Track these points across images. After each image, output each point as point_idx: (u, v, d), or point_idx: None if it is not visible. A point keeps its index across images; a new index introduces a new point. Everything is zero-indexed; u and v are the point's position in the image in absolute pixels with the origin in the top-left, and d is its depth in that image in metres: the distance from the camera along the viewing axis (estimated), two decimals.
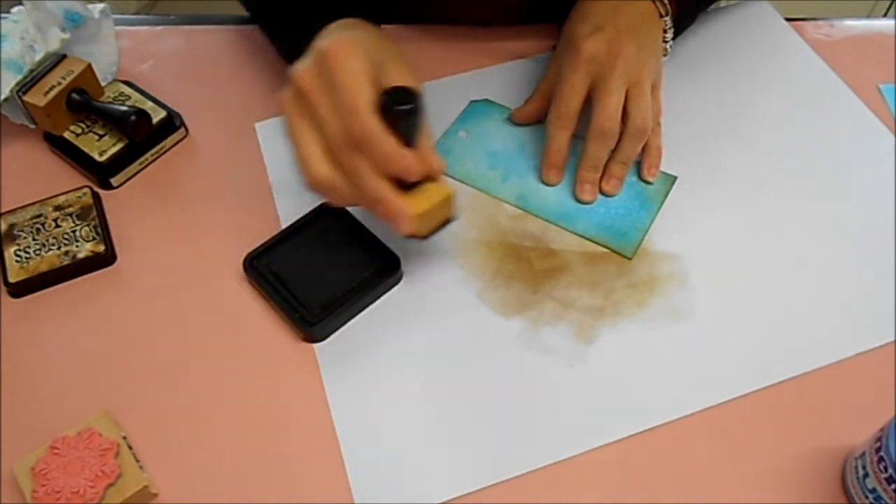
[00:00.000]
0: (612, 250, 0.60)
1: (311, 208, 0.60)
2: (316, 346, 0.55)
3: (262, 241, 0.58)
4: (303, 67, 0.49)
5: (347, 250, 0.58)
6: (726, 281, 0.58)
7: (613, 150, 0.61)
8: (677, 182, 0.63)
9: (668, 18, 0.63)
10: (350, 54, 0.48)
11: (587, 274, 0.58)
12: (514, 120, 0.67)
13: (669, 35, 0.64)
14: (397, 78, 0.50)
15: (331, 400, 0.53)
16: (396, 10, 0.73)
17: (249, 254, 0.57)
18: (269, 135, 0.67)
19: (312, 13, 0.58)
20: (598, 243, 0.60)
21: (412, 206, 0.49)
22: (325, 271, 0.57)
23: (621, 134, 0.60)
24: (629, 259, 0.59)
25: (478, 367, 0.54)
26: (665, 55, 0.64)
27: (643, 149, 0.63)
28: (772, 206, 0.62)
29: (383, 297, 0.57)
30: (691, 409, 0.52)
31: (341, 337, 0.56)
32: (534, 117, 0.66)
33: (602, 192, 0.62)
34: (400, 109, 0.48)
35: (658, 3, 0.63)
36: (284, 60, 0.63)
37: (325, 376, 0.54)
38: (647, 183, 0.63)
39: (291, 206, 0.62)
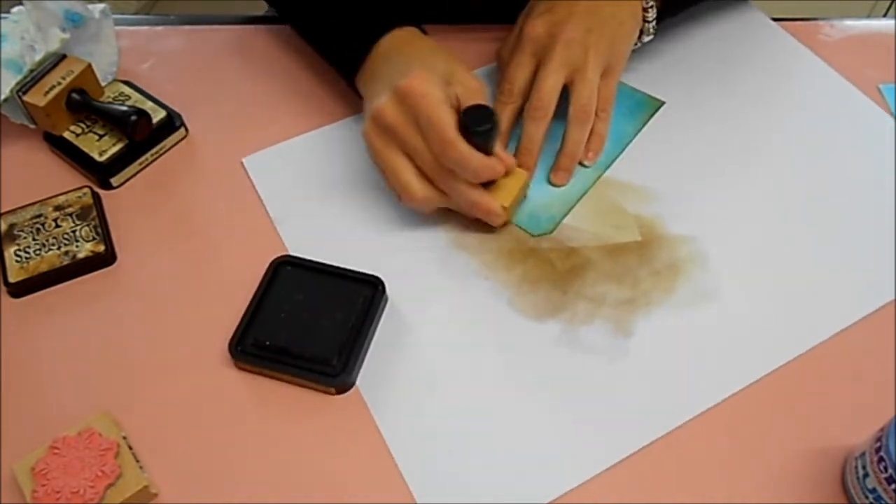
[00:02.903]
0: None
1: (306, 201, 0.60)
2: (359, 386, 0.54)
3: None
4: (384, 104, 0.56)
5: (325, 293, 0.55)
6: (743, 257, 0.59)
7: (562, 140, 0.62)
8: (684, 170, 0.64)
9: (647, 5, 0.63)
10: (428, 87, 0.55)
11: (610, 267, 0.59)
12: None
13: (651, 14, 0.64)
14: (465, 84, 0.57)
15: (385, 434, 0.51)
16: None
17: (231, 339, 0.54)
18: (259, 168, 0.65)
19: (361, 24, 0.62)
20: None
21: (502, 200, 0.57)
22: (317, 321, 0.54)
23: (567, 121, 0.61)
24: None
25: (522, 374, 0.54)
26: (649, 36, 0.65)
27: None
28: (777, 186, 0.63)
29: (411, 323, 0.56)
30: (740, 385, 0.53)
31: (375, 370, 0.54)
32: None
33: (550, 183, 0.63)
34: (481, 130, 0.55)
35: None
36: (337, 69, 0.66)
37: (375, 412, 0.52)
38: (584, 166, 0.64)
39: (292, 230, 0.61)
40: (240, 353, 0.53)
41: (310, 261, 0.57)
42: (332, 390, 0.53)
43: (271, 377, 0.54)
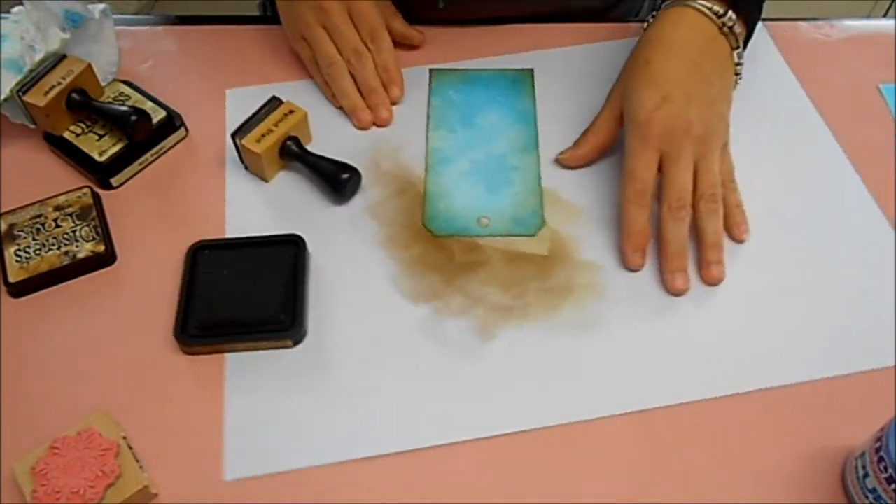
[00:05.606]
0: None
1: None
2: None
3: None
4: None
5: (254, 259, 0.57)
6: (643, 298, 0.57)
7: (698, 235, 0.58)
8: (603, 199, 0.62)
9: (740, 51, 0.61)
10: None
11: (505, 272, 0.58)
12: (562, 163, 0.64)
13: (741, 68, 0.62)
14: None
15: (227, 392, 0.53)
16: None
17: (175, 328, 0.54)
18: (237, 103, 0.68)
19: None
20: None
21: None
22: (253, 287, 0.56)
23: (696, 213, 0.58)
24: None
25: (381, 349, 0.55)
26: (735, 87, 0.62)
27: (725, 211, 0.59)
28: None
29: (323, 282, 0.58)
30: (577, 417, 0.52)
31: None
32: (584, 163, 0.64)
33: (707, 283, 0.58)
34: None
35: (730, 38, 0.60)
36: None
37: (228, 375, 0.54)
38: (740, 242, 0.60)
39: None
40: (187, 338, 0.54)
41: (224, 239, 0.60)
42: (290, 343, 0.55)
43: (226, 351, 0.55)
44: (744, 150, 0.63)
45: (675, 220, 0.57)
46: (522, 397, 0.53)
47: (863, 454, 0.47)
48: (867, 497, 0.46)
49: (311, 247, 0.59)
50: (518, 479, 0.50)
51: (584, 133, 0.64)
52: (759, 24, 0.72)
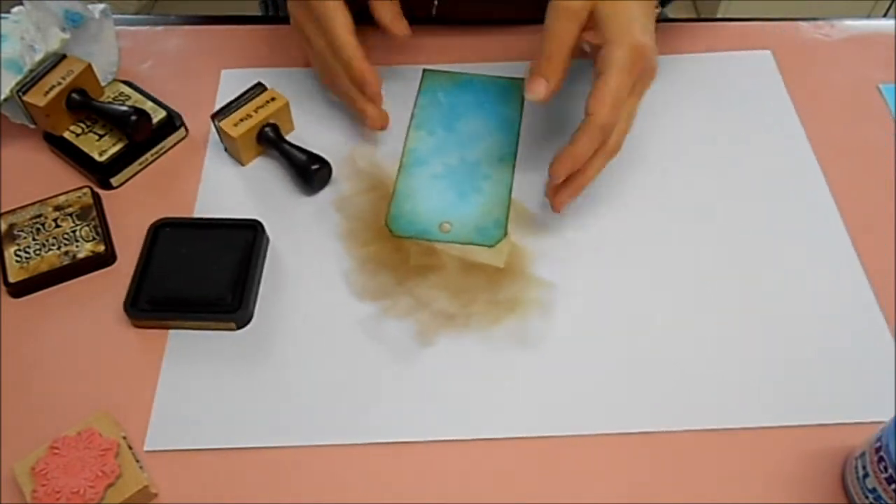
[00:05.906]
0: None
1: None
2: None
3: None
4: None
5: (208, 242, 0.58)
6: (590, 320, 0.56)
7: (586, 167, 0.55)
8: (596, 220, 0.61)
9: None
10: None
11: (457, 280, 0.58)
12: (532, 98, 0.57)
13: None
14: None
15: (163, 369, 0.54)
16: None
17: (125, 301, 0.56)
18: (230, 85, 0.69)
19: None
20: None
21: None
22: (205, 268, 0.57)
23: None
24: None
25: (316, 339, 0.55)
26: None
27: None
28: (664, 258, 0.59)
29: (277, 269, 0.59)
30: (502, 434, 0.51)
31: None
32: (557, 83, 0.56)
33: (551, 205, 0.57)
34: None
35: None
36: None
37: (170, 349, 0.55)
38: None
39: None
40: (137, 311, 0.55)
41: (187, 218, 0.61)
42: (234, 325, 0.55)
43: (172, 327, 0.56)
44: (728, 175, 0.63)
45: (589, 139, 0.52)
46: (451, 406, 0.52)
47: (863, 454, 0.47)
48: (867, 497, 0.46)
49: (273, 234, 0.60)
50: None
51: (539, 59, 0.55)
52: (770, 56, 0.72)
